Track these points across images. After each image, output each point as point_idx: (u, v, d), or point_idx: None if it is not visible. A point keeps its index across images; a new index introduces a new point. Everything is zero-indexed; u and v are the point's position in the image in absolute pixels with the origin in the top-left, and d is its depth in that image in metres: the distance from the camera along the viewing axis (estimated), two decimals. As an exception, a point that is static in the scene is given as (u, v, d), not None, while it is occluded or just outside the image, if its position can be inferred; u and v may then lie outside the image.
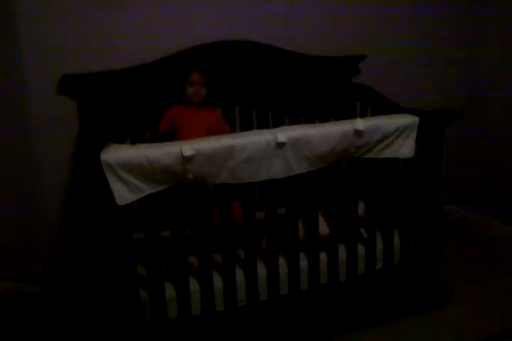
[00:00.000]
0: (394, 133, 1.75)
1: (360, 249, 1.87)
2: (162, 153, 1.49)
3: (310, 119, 2.24)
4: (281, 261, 1.77)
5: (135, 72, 1.97)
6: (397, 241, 1.93)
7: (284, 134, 1.60)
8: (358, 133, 1.69)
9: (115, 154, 1.47)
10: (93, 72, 1.91)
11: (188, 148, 1.50)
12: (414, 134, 1.78)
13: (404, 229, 1.93)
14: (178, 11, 2.04)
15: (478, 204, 2.70)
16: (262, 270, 1.74)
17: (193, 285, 1.67)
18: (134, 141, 1.97)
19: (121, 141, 1.93)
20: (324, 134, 1.66)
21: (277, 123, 2.17)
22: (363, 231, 1.91)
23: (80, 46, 1.93)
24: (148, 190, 1.52)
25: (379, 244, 1.89)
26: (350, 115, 2.23)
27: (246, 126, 2.16)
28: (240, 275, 1.71)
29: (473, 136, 2.65)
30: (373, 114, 2.11)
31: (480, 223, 2.65)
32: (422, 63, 2.52)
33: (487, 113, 2.56)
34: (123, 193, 1.48)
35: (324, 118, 2.24)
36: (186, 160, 1.50)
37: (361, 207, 1.88)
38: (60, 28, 1.89)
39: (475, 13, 2.52)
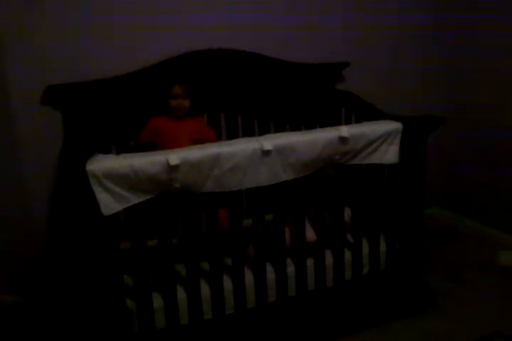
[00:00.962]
0: (378, 140, 1.78)
1: (347, 255, 1.88)
2: (148, 162, 1.49)
3: (295, 126, 2.26)
4: (269, 268, 1.77)
5: (119, 82, 1.97)
6: (383, 246, 1.95)
7: (269, 142, 1.62)
8: (342, 140, 1.71)
9: (100, 164, 1.47)
10: (77, 82, 1.90)
11: (174, 157, 1.50)
12: (398, 140, 1.81)
13: (390, 233, 1.95)
14: (163, 20, 2.05)
15: (463, 207, 2.75)
16: (249, 277, 1.74)
17: (181, 293, 1.66)
18: (119, 151, 1.97)
19: (106, 150, 1.92)
20: (310, 141, 1.68)
21: (263, 130, 2.19)
22: (349, 236, 1.93)
23: (64, 57, 1.92)
24: (134, 199, 1.52)
25: (365, 249, 1.91)
26: (335, 121, 2.25)
27: (232, 134, 2.17)
28: (227, 282, 1.71)
29: (457, 140, 2.69)
30: (358, 120, 2.14)
31: (464, 225, 2.69)
32: (405, 70, 2.56)
33: (471, 117, 2.60)
34: (109, 203, 1.48)
35: (310, 125, 2.26)
36: (172, 169, 1.50)
37: (347, 213, 1.90)
38: (44, 39, 1.89)
39: (454, 22, 2.56)
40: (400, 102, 2.42)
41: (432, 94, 2.64)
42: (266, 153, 1.61)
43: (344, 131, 1.71)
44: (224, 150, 1.57)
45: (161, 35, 2.05)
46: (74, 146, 1.81)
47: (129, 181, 1.49)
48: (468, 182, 2.69)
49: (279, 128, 2.23)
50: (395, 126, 1.81)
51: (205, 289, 1.69)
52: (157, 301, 1.64)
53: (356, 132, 1.73)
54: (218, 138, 2.09)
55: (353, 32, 2.39)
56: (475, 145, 2.62)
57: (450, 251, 2.50)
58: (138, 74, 2.00)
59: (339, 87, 2.37)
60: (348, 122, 2.23)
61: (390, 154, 1.81)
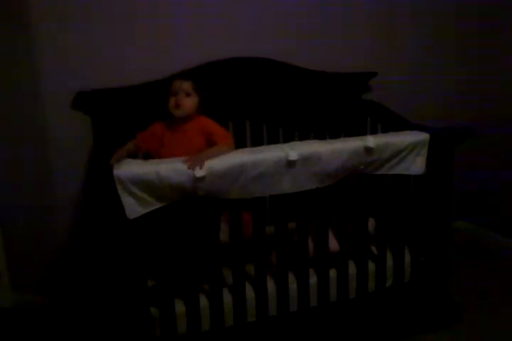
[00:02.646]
0: (404, 150, 1.76)
1: (371, 266, 1.86)
2: (173, 170, 1.51)
3: (320, 135, 2.25)
4: (291, 277, 1.76)
5: (148, 88, 2.00)
6: (407, 258, 1.92)
7: (295, 152, 1.61)
8: (368, 150, 1.69)
9: (127, 169, 1.50)
10: (108, 88, 1.94)
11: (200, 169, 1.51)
12: (424, 151, 1.78)
13: (414, 246, 1.93)
14: (190, 28, 2.07)
15: (491, 222, 2.69)
16: (271, 285, 1.74)
17: (203, 300, 1.67)
18: (146, 156, 1.99)
19: (133, 155, 1.94)
20: (335, 151, 1.67)
21: (287, 139, 2.19)
22: (373, 248, 1.91)
23: (95, 63, 1.96)
24: (157, 204, 1.53)
25: (389, 261, 1.89)
26: (361, 131, 2.24)
27: (256, 141, 2.18)
28: (249, 290, 1.71)
29: (485, 152, 2.65)
30: (384, 131, 2.12)
31: (492, 240, 2.63)
32: (433, 80, 2.53)
33: (501, 129, 2.55)
34: (133, 207, 1.50)
35: (334, 134, 2.25)
36: (198, 179, 1.51)
37: (371, 223, 1.88)
38: (76, 46, 1.94)
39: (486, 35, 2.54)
40: (427, 113, 2.39)
41: (460, 104, 2.60)
42: (291, 163, 1.61)
43: (370, 141, 1.70)
44: (249, 160, 1.57)
45: (185, 44, 2.07)
46: (102, 151, 1.84)
47: (153, 187, 1.50)
48: (498, 197, 2.63)
49: (304, 137, 2.22)
50: (421, 136, 1.79)
51: (227, 297, 1.69)
52: (179, 307, 1.64)
53: (382, 142, 1.72)
54: (243, 145, 2.09)
55: (379, 42, 2.38)
56: (506, 158, 2.56)
57: (476, 266, 2.44)
58: (165, 81, 2.03)
59: (366, 96, 2.35)
60: (373, 132, 2.21)
61: (416, 165, 1.79)
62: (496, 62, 2.52)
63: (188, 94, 1.68)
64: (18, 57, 1.92)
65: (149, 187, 1.50)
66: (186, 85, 1.68)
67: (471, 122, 2.40)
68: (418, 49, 2.47)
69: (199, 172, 1.50)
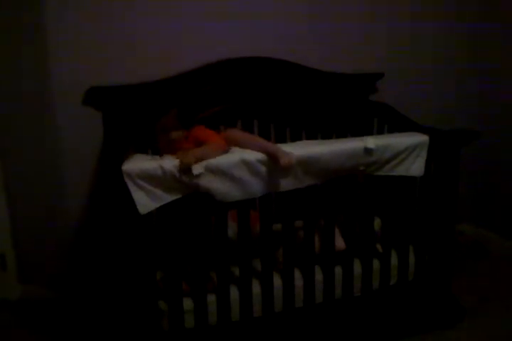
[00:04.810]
0: (404, 152, 1.77)
1: (375, 264, 1.89)
2: (174, 166, 1.52)
3: (327, 135, 2.27)
4: (297, 274, 1.79)
5: (158, 86, 2.03)
6: (412, 257, 1.94)
7: (294, 153, 1.62)
8: (368, 151, 1.71)
9: (134, 164, 1.52)
10: (118, 85, 1.97)
11: (197, 166, 1.53)
12: (424, 153, 1.79)
13: (419, 245, 1.95)
14: (202, 27, 2.10)
15: (495, 224, 2.71)
16: (277, 282, 1.76)
17: (210, 296, 1.69)
18: (154, 152, 2.01)
19: (143, 152, 1.97)
20: (334, 152, 1.68)
21: (295, 138, 2.21)
22: (378, 246, 1.93)
23: (105, 59, 1.99)
24: (167, 198, 1.55)
25: (394, 260, 1.91)
26: (367, 132, 2.26)
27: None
28: (255, 286, 1.74)
29: (489, 155, 2.67)
30: (390, 132, 2.14)
31: (495, 242, 2.66)
32: (441, 81, 2.56)
33: (506, 131, 2.57)
34: (144, 202, 1.52)
35: (341, 134, 2.28)
36: (196, 177, 1.53)
37: (377, 222, 1.90)
38: (88, 43, 1.96)
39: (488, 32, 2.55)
40: (438, 115, 2.43)
41: (470, 107, 2.62)
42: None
43: (370, 142, 1.71)
44: (249, 158, 1.59)
45: (196, 42, 2.10)
46: (112, 147, 1.86)
47: (161, 181, 1.52)
48: (502, 199, 2.65)
49: (311, 137, 2.25)
50: (421, 138, 1.80)
51: (234, 292, 1.71)
52: (187, 303, 1.67)
53: (381, 144, 1.73)
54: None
55: (388, 43, 2.41)
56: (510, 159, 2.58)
57: (479, 268, 2.46)
58: (176, 79, 2.06)
59: (372, 97, 2.38)
60: (380, 133, 2.23)
61: (415, 167, 1.80)
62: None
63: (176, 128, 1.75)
64: (28, 52, 1.94)
65: (157, 181, 1.52)
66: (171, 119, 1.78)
67: (479, 122, 2.44)
68: (426, 49, 2.49)
69: (197, 170, 1.53)
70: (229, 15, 2.13)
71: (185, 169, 1.52)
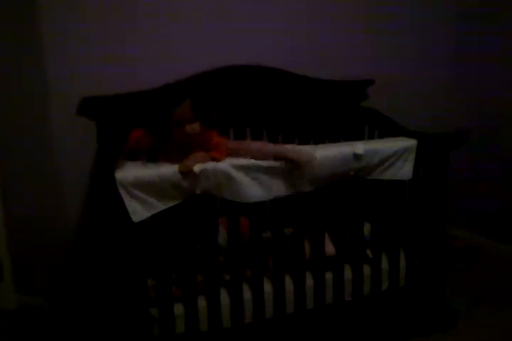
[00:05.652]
0: (393, 156, 1.79)
1: (366, 270, 1.90)
2: (170, 171, 1.56)
3: (319, 141, 2.29)
4: (288, 280, 1.80)
5: (151, 95, 2.05)
6: (403, 262, 1.95)
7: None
8: (357, 156, 1.73)
9: (127, 173, 1.55)
10: (112, 95, 2.00)
11: (196, 167, 1.58)
12: (412, 157, 1.82)
13: (410, 250, 1.96)
14: (193, 36, 2.13)
15: (488, 228, 2.71)
16: (268, 288, 1.78)
17: (201, 301, 1.71)
18: (150, 159, 2.04)
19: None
20: (324, 158, 1.70)
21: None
22: (368, 252, 1.94)
23: (98, 70, 2.01)
24: (160, 206, 1.58)
25: (384, 265, 1.92)
26: (359, 138, 2.28)
27: (257, 147, 2.22)
28: (246, 292, 1.75)
29: (485, 158, 2.67)
30: (381, 136, 2.16)
31: (488, 246, 2.66)
32: (430, 86, 2.58)
33: (500, 134, 2.57)
34: (137, 210, 1.55)
35: (333, 141, 2.29)
36: (194, 177, 1.57)
37: (367, 227, 1.92)
38: (81, 52, 2.00)
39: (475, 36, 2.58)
40: (429, 119, 2.45)
41: (460, 110, 2.63)
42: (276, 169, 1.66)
43: (359, 148, 1.73)
44: (242, 164, 1.63)
45: (189, 51, 2.13)
46: (106, 156, 1.89)
47: (155, 188, 1.55)
48: (495, 203, 2.65)
49: (303, 143, 2.26)
50: (409, 142, 1.83)
51: (225, 298, 1.73)
52: (178, 308, 1.68)
53: (370, 149, 1.76)
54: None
55: (377, 49, 2.44)
56: (503, 163, 2.58)
57: (473, 272, 2.47)
58: (171, 87, 2.08)
59: (363, 103, 2.40)
60: (371, 138, 2.25)
61: (404, 170, 1.82)
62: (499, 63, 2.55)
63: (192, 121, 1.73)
64: (24, 60, 1.97)
65: (152, 188, 1.55)
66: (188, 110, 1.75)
67: (471, 126, 2.44)
68: (416, 55, 2.52)
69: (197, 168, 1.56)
70: (219, 22, 2.16)
71: (187, 171, 1.57)
